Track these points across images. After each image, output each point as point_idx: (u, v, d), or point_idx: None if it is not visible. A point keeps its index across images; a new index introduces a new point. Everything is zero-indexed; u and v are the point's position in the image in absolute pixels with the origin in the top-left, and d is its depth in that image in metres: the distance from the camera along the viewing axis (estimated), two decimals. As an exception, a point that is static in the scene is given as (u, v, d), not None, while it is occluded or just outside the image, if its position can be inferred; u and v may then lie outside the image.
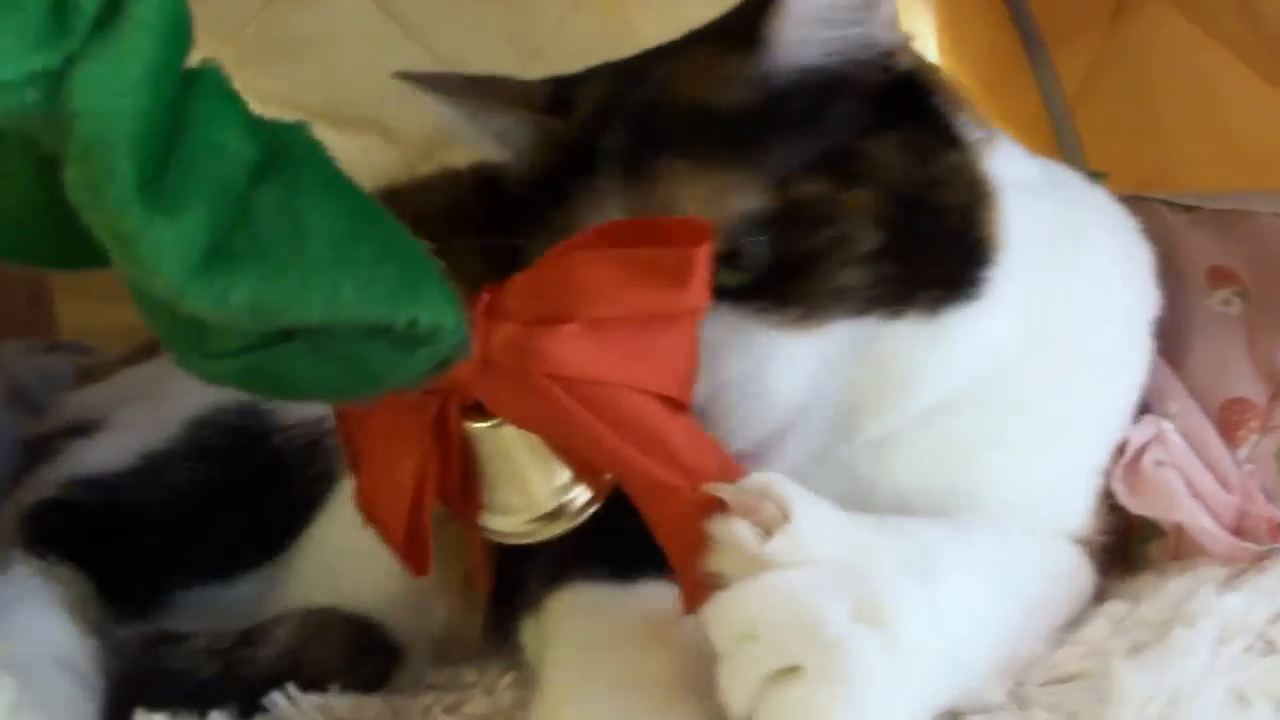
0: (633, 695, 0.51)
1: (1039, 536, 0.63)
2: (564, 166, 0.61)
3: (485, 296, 0.46)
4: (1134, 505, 0.67)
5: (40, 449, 0.77)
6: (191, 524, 0.71)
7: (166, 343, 0.45)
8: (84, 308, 1.14)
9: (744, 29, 0.59)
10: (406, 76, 0.65)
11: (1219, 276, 0.75)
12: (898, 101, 0.60)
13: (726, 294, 0.55)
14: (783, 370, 0.56)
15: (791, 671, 0.44)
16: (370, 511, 0.53)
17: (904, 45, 0.61)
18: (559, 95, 0.65)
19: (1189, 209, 0.80)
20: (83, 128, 0.39)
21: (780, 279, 0.56)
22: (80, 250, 0.43)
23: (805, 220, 0.56)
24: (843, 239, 0.56)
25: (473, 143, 0.66)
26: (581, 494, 0.50)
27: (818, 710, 0.44)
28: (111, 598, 0.68)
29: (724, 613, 0.46)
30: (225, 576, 0.73)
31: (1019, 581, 0.58)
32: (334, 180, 0.44)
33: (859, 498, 0.57)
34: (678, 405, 0.48)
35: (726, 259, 0.55)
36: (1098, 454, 0.67)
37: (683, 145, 0.57)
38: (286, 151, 0.43)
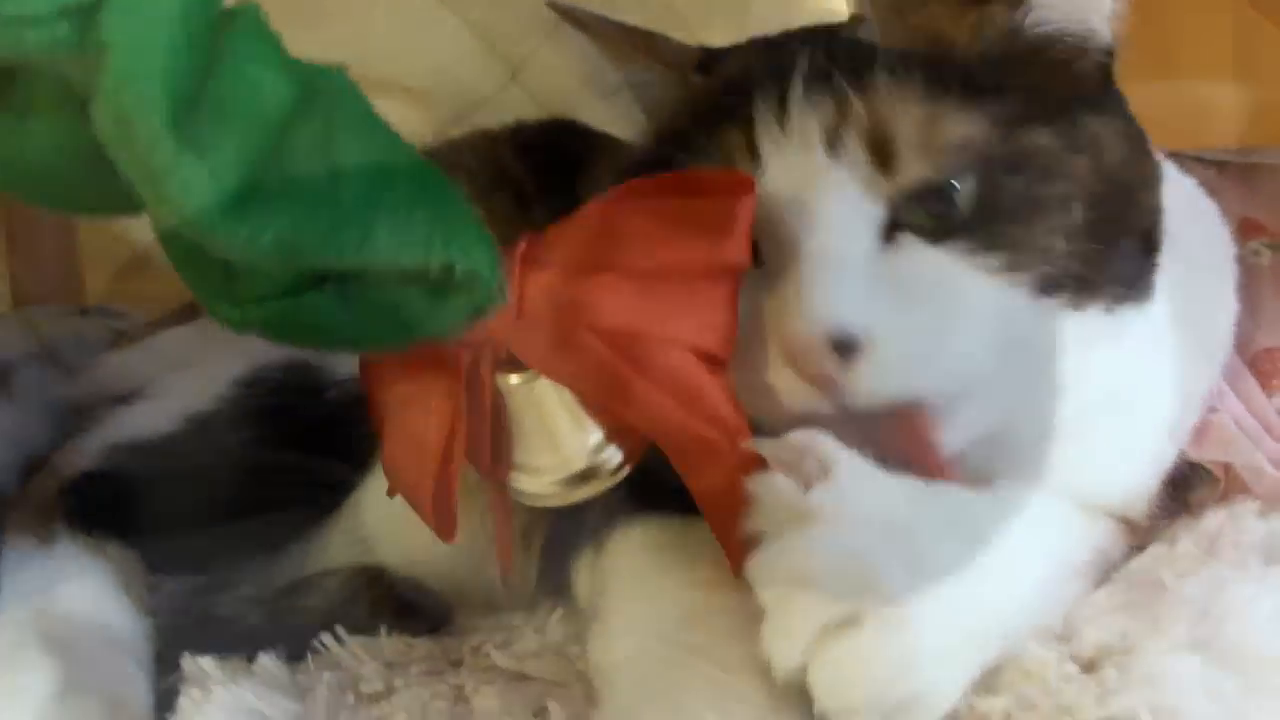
0: (700, 625, 0.50)
1: (1085, 513, 0.62)
2: (718, 104, 0.56)
3: (522, 244, 0.45)
4: (1194, 453, 0.67)
5: (77, 417, 0.76)
6: (240, 488, 0.69)
7: (194, 289, 0.45)
8: (111, 278, 1.14)
9: None
10: (557, 7, 0.60)
11: (1249, 228, 0.76)
12: (1110, 96, 0.59)
13: (919, 233, 0.52)
14: (973, 320, 0.52)
15: (845, 624, 0.44)
16: (396, 474, 0.52)
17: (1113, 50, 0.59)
18: (712, 59, 0.61)
19: (1219, 164, 0.79)
20: (114, 60, 0.38)
21: (987, 220, 0.52)
22: (110, 197, 0.43)
23: (1027, 168, 0.53)
24: (1061, 200, 0.54)
25: (609, 93, 0.62)
26: (615, 455, 0.49)
27: (881, 659, 0.43)
28: (156, 568, 0.67)
29: (773, 563, 0.45)
30: (274, 545, 0.72)
31: (1060, 555, 0.57)
32: (369, 123, 0.43)
33: None
34: (716, 361, 0.47)
35: (927, 196, 0.52)
36: (1178, 444, 0.66)
37: (904, 69, 0.53)
38: (322, 93, 0.43)
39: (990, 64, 0.55)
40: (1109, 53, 0.59)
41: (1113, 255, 0.55)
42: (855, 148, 0.52)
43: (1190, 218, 0.67)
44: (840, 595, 0.44)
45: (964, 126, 0.52)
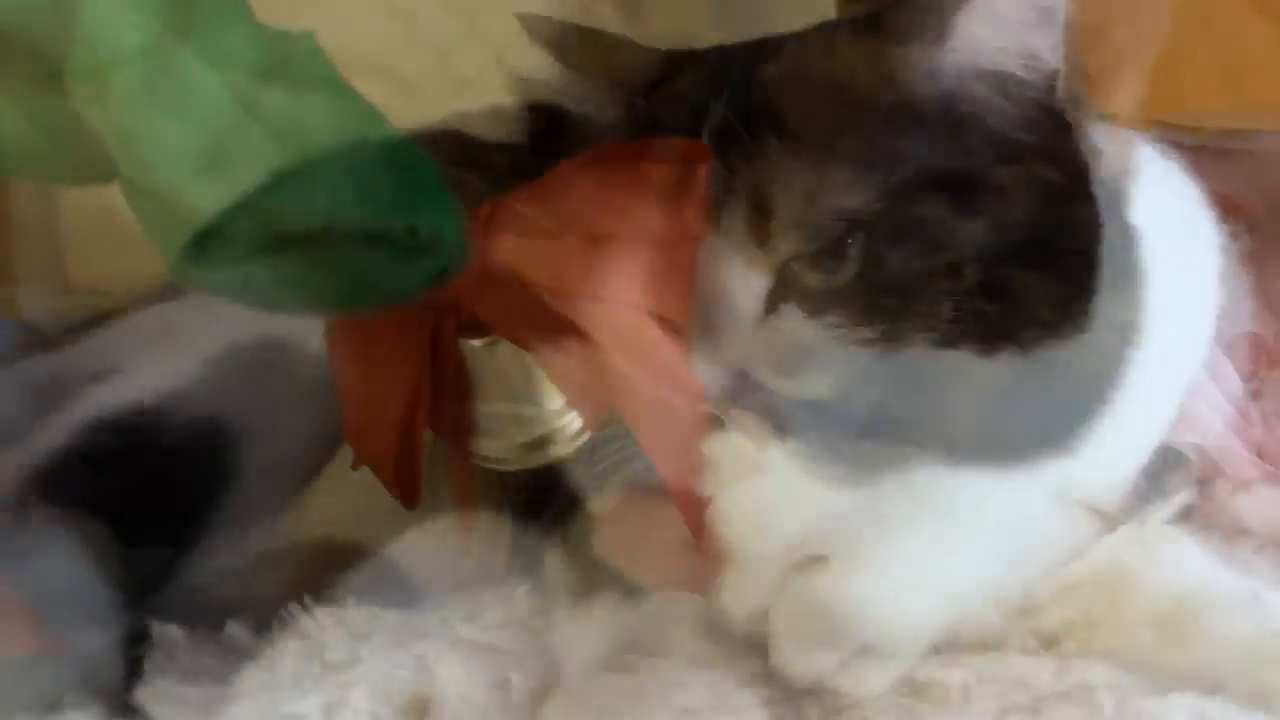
0: (662, 604, 0.51)
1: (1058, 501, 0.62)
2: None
3: (486, 208, 0.46)
4: (1169, 435, 0.65)
5: (53, 394, 0.76)
6: (214, 466, 0.70)
7: (163, 252, 0.45)
8: (94, 258, 1.14)
9: (921, 20, 0.53)
10: (526, 22, 0.59)
11: (1227, 209, 0.75)
12: (1040, 132, 0.55)
13: (799, 298, 0.51)
14: (844, 394, 0.51)
15: (810, 564, 0.45)
16: (360, 441, 0.52)
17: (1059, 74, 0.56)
18: (670, 68, 0.58)
19: (1196, 147, 0.80)
20: (85, 20, 0.39)
21: (864, 293, 0.51)
22: (84, 165, 0.44)
23: (911, 240, 0.51)
24: (947, 269, 0.52)
25: (577, 104, 0.59)
26: (574, 421, 0.50)
27: (845, 599, 0.44)
28: (129, 541, 0.68)
29: (738, 508, 0.46)
30: (245, 518, 0.72)
31: (1026, 531, 0.58)
32: (338, 87, 0.44)
33: None
34: (674, 327, 0.48)
35: (812, 259, 0.51)
36: (1158, 436, 0.64)
37: (800, 128, 0.51)
38: (292, 57, 0.44)
39: (895, 118, 0.53)
40: (1051, 88, 0.55)
41: (1022, 303, 0.53)
42: (737, 221, 0.51)
43: (1174, 205, 0.67)
44: (803, 537, 0.45)
45: (848, 198, 0.51)
